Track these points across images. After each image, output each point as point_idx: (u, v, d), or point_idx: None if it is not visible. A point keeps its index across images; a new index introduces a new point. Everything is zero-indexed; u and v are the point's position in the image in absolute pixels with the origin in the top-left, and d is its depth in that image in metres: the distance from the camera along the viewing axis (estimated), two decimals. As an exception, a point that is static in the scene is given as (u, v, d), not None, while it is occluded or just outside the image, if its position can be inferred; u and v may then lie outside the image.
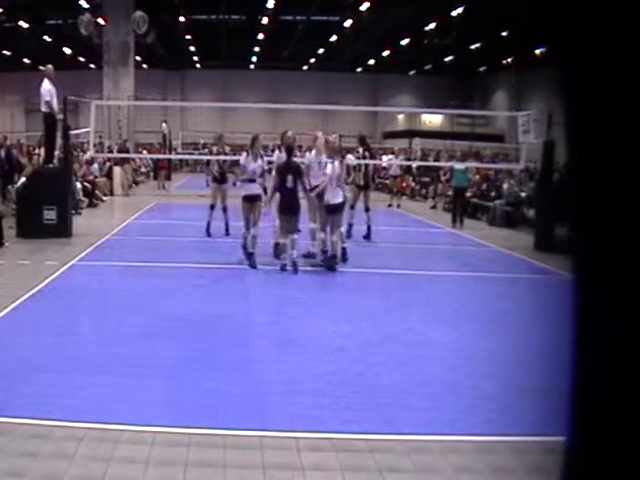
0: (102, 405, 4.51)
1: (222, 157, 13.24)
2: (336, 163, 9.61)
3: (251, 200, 9.72)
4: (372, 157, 13.86)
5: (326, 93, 41.22)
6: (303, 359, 5.77)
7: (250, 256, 9.56)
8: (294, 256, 9.14)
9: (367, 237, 12.37)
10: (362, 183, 12.69)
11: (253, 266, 9.46)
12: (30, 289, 7.76)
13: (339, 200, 9.49)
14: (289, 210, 9.30)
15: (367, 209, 12.55)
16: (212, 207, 12.59)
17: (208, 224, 12.49)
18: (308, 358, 5.78)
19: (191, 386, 4.95)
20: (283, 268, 9.16)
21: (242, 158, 9.93)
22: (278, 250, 9.72)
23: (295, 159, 10.01)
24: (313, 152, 10.58)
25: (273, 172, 10.41)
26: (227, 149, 14.59)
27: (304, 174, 9.60)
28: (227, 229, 12.43)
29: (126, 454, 3.81)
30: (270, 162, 11.09)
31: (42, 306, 7.17)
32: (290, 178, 9.20)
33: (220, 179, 12.91)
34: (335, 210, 9.51)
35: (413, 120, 39.99)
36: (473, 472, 3.79)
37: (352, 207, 12.24)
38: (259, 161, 9.80)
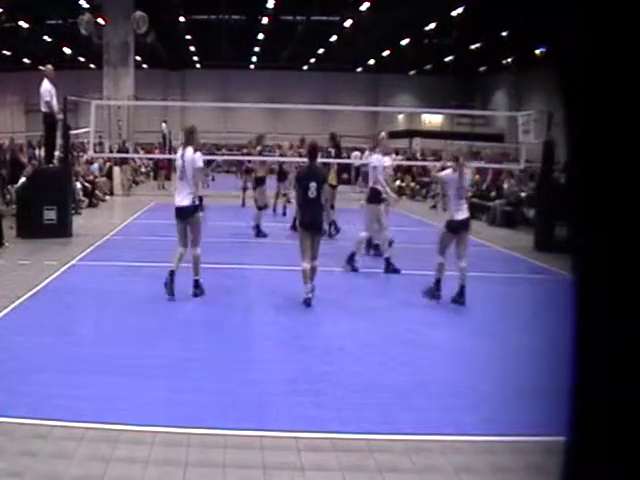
0: (102, 405, 4.51)
1: (263, 158, 13.38)
2: (457, 171, 7.93)
3: (181, 216, 7.67)
4: (340, 155, 14.34)
5: (326, 93, 41.23)
6: (303, 359, 5.77)
7: (171, 275, 7.47)
8: (309, 291, 7.45)
9: (334, 234, 12.56)
10: (335, 183, 13.16)
11: (169, 290, 7.40)
12: (30, 289, 7.76)
13: (464, 216, 7.90)
14: (311, 225, 7.59)
15: (331, 207, 12.66)
16: (261, 208, 12.91)
17: (258, 225, 12.86)
18: (308, 358, 5.78)
19: (191, 386, 4.95)
20: (308, 303, 7.45)
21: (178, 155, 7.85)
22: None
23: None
24: (377, 154, 10.32)
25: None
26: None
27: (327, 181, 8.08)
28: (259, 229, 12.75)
29: (126, 454, 3.81)
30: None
31: (42, 306, 7.17)
32: (313, 186, 7.53)
33: (260, 181, 13.30)
34: (459, 228, 7.87)
35: (413, 120, 40.02)
36: (473, 472, 3.79)
37: (332, 207, 12.51)
38: (197, 159, 7.61)
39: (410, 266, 10.28)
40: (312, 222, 7.58)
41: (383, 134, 10.57)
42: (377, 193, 9.73)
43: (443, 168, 8.37)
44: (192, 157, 7.50)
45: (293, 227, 12.73)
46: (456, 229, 7.85)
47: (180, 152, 7.68)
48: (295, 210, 12.75)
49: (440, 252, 7.98)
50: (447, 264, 7.91)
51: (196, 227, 7.69)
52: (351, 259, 9.58)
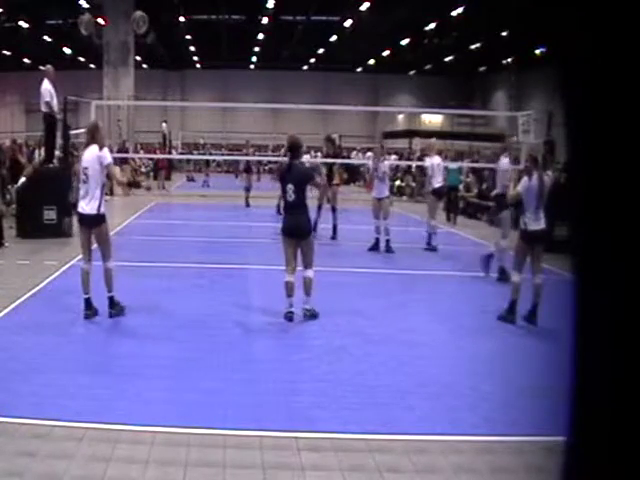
0: (102, 405, 4.51)
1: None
2: (534, 177, 7.13)
3: (86, 224, 6.78)
4: (336, 156, 14.72)
5: (326, 93, 41.24)
6: (303, 359, 5.77)
7: (87, 303, 6.70)
8: (307, 306, 6.95)
9: (333, 237, 12.49)
10: (338, 181, 13.77)
11: (92, 318, 6.65)
12: (30, 289, 7.77)
13: (541, 227, 7.07)
14: (292, 232, 6.90)
15: (333, 209, 12.65)
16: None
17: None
18: (308, 358, 5.78)
19: (191, 386, 4.95)
20: (289, 318, 6.82)
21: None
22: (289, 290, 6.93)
23: (304, 161, 7.30)
24: (436, 156, 12.51)
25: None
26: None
27: (315, 179, 7.36)
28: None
29: (126, 454, 3.81)
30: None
31: (42, 306, 7.17)
32: (291, 189, 6.80)
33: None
34: (535, 239, 7.04)
35: (413, 120, 40.02)
36: (473, 472, 3.79)
37: (334, 209, 12.69)
38: (104, 156, 6.67)
39: (410, 266, 10.29)
40: (293, 228, 6.88)
41: (514, 138, 10.76)
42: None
43: (519, 177, 7.52)
44: (97, 155, 6.61)
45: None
46: (531, 241, 7.01)
47: (84, 153, 6.81)
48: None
49: (516, 268, 7.09)
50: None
51: (103, 238, 6.82)
52: (487, 264, 9.31)
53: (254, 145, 25.15)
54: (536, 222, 7.03)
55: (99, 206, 6.64)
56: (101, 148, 6.71)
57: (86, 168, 6.64)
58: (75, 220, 12.64)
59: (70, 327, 6.46)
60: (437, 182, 12.10)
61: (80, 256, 9.48)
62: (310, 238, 7.03)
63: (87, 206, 6.63)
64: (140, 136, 30.42)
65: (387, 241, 11.41)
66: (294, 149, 7.05)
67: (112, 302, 6.82)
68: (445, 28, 29.36)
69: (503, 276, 9.11)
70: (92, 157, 6.63)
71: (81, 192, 6.78)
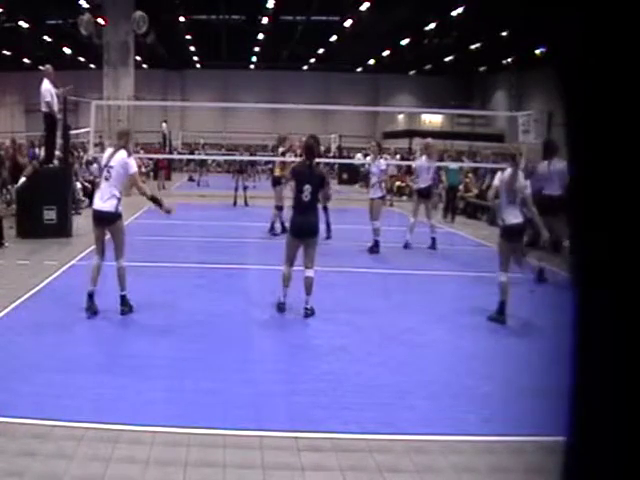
0: (102, 405, 4.51)
1: (288, 158, 13.10)
2: (507, 171, 7.19)
3: (101, 221, 6.91)
4: (319, 155, 14.58)
5: (326, 93, 41.27)
6: (303, 359, 5.77)
7: (89, 297, 6.76)
8: (309, 304, 7.06)
9: (328, 237, 12.46)
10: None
11: (91, 312, 6.72)
12: (30, 289, 7.77)
13: (518, 220, 6.96)
14: (302, 232, 7.00)
15: (325, 208, 12.63)
16: (279, 208, 12.84)
17: (272, 224, 12.91)
18: (308, 358, 5.78)
19: (191, 386, 4.95)
20: (280, 309, 7.08)
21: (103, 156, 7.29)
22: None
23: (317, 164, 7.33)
24: (424, 157, 12.64)
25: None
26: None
27: (329, 184, 7.45)
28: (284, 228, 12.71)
29: (126, 454, 3.81)
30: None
31: (42, 306, 7.17)
32: (308, 189, 6.88)
33: (278, 181, 13.10)
34: (514, 233, 6.98)
35: (413, 120, 40.03)
36: (473, 472, 3.79)
37: (325, 208, 12.36)
38: (130, 165, 6.90)
39: (410, 266, 10.29)
40: (303, 228, 6.96)
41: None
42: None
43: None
44: (125, 160, 6.81)
45: (271, 229, 12.81)
46: (510, 236, 6.95)
47: (110, 152, 7.00)
48: (273, 213, 12.82)
49: (502, 267, 6.94)
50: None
51: (118, 236, 6.91)
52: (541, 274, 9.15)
53: (252, 145, 25.22)
54: (513, 216, 6.98)
55: (117, 205, 6.79)
56: (129, 155, 6.94)
57: (111, 167, 6.80)
58: (74, 220, 12.69)
59: (70, 327, 6.46)
60: (423, 182, 12.29)
61: (80, 256, 9.46)
62: (316, 238, 7.11)
63: (105, 203, 6.77)
64: (140, 136, 30.42)
65: (375, 242, 11.35)
66: (312, 150, 7.16)
67: (124, 300, 6.94)
68: (445, 28, 29.36)
69: (542, 276, 9.07)
70: (120, 160, 6.82)
71: (101, 187, 6.93)
